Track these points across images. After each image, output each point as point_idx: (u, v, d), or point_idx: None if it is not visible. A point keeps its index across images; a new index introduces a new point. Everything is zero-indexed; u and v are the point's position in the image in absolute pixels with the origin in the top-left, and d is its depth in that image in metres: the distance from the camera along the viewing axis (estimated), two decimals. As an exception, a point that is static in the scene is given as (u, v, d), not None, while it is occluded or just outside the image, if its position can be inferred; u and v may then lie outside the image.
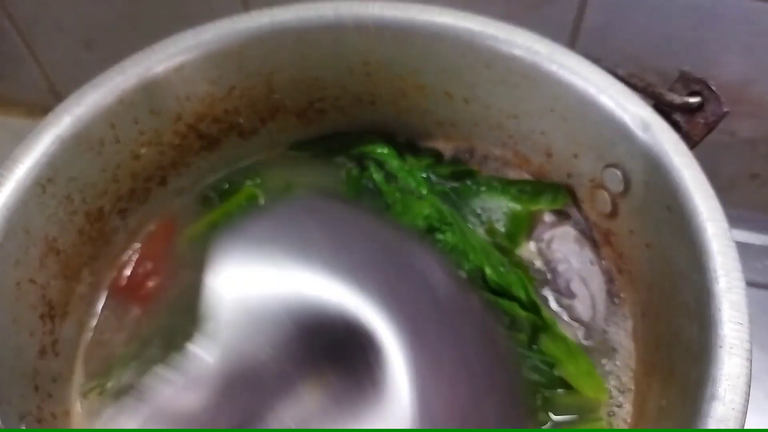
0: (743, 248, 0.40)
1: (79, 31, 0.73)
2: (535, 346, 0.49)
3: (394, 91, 0.57)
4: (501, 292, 0.51)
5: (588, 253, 0.53)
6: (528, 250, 0.55)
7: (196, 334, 0.27)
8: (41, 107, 0.46)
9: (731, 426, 0.34)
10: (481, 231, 0.55)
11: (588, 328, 0.50)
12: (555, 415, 0.47)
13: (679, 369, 0.41)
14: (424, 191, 0.56)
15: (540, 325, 0.49)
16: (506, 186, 0.57)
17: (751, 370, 0.35)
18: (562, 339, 0.49)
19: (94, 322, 0.53)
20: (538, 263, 0.54)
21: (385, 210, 0.56)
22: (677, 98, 0.46)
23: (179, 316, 0.52)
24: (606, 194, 0.51)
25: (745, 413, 0.34)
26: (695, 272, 0.40)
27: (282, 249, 0.24)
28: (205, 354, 0.23)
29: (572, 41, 0.64)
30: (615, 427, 0.47)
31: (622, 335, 0.50)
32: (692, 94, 0.47)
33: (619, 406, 0.47)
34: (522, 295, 0.50)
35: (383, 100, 0.58)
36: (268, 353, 0.22)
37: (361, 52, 0.53)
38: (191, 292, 0.52)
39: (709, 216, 0.40)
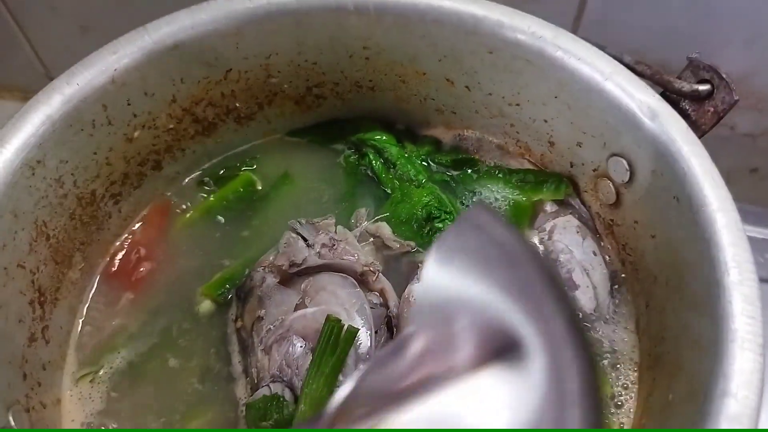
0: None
1: (74, 15, 0.71)
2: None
3: (394, 77, 0.56)
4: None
5: (591, 244, 0.52)
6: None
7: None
8: (36, 92, 0.45)
9: (745, 424, 0.33)
10: (481, 220, 0.54)
11: (590, 319, 0.49)
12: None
13: (687, 363, 0.40)
14: (424, 179, 0.55)
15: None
16: (507, 175, 0.56)
17: (765, 365, 0.34)
18: (564, 331, 0.48)
19: (86, 309, 0.52)
20: (540, 253, 0.53)
21: (385, 197, 0.55)
22: (686, 86, 0.45)
23: (172, 302, 0.51)
24: (610, 184, 0.50)
25: (758, 411, 0.33)
26: (704, 264, 0.39)
27: (470, 261, 0.32)
28: (410, 331, 0.32)
29: (573, 33, 0.62)
30: (617, 423, 0.46)
31: (626, 327, 0.50)
32: (701, 81, 0.46)
33: (622, 402, 0.47)
34: (523, 285, 0.49)
35: (383, 86, 0.57)
36: (452, 340, 0.31)
37: (361, 37, 0.52)
38: (185, 279, 0.52)
39: (719, 206, 0.39)
